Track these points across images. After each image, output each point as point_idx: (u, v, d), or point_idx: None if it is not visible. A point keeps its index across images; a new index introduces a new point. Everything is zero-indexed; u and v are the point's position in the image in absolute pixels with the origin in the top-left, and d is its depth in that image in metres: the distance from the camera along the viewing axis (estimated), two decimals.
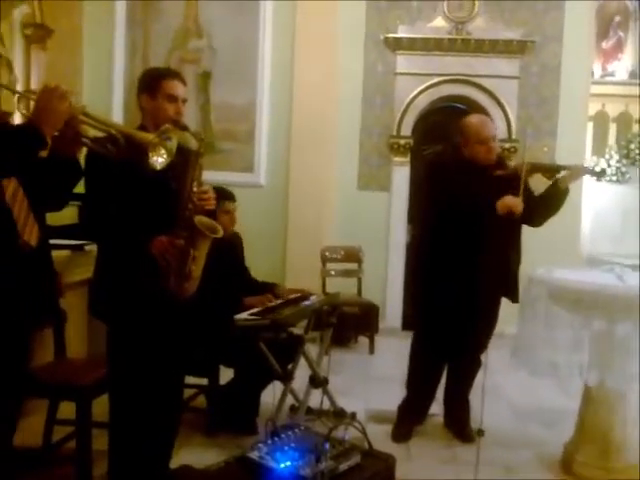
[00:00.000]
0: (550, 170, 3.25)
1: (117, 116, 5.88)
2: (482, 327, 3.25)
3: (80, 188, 2.20)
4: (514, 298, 3.22)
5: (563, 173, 3.18)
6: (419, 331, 3.43)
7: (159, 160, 1.94)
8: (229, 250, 3.28)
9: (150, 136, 1.95)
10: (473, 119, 3.32)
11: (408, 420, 3.41)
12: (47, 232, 2.09)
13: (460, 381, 3.41)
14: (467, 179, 3.08)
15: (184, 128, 2.29)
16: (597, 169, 3.29)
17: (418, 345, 3.39)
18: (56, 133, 1.82)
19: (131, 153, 1.94)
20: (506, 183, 3.04)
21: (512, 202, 2.95)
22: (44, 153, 1.84)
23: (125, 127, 1.94)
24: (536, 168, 3.20)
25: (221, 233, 2.27)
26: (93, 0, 5.77)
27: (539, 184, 3.32)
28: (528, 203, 3.14)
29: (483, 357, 3.25)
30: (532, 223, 3.26)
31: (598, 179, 3.37)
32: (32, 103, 1.83)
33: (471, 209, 3.04)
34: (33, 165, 1.81)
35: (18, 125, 1.85)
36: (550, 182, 3.25)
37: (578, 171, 3.21)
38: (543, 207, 3.21)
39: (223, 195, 3.35)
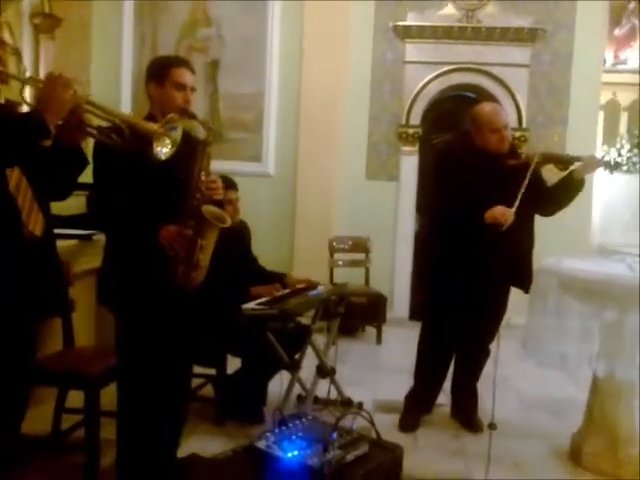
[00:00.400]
0: (563, 161, 3.20)
1: (125, 107, 5.88)
2: (491, 317, 3.23)
3: (88, 178, 2.19)
4: (526, 288, 3.19)
5: (577, 164, 3.13)
6: (427, 321, 3.42)
7: (163, 150, 1.92)
8: (236, 239, 3.27)
9: (155, 126, 1.94)
10: (485, 107, 3.28)
11: (415, 410, 3.40)
12: (52, 221, 2.08)
13: (468, 371, 3.40)
14: (477, 168, 3.05)
15: (192, 117, 2.27)
16: (612, 162, 3.22)
17: (426, 335, 3.38)
18: (60, 122, 1.80)
19: (136, 143, 1.93)
20: (517, 173, 3.00)
21: (500, 213, 2.91)
22: (48, 142, 1.82)
23: (130, 116, 1.93)
24: (548, 159, 3.15)
25: (229, 223, 2.26)
26: None
27: (550, 174, 3.28)
28: (540, 192, 3.11)
29: (493, 349, 3.23)
30: (545, 213, 3.24)
31: (611, 172, 3.30)
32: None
33: (477, 202, 3.00)
34: (37, 154, 1.80)
35: (22, 113, 1.83)
36: (562, 173, 3.22)
37: (593, 163, 3.15)
38: (556, 197, 3.18)
39: (225, 184, 3.32)
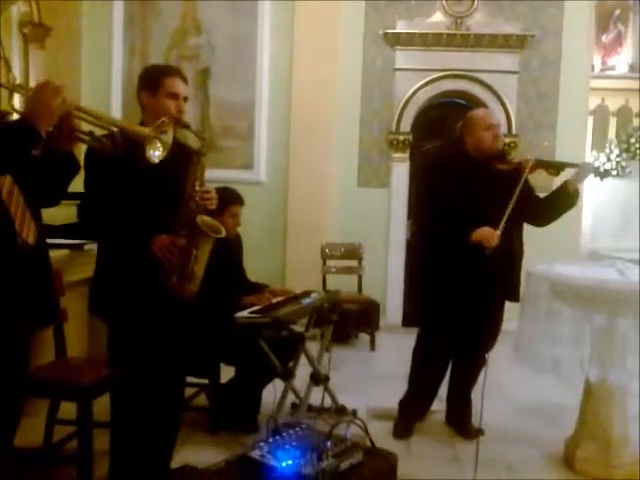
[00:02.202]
0: (554, 167, 3.22)
1: (116, 115, 5.86)
2: (487, 326, 3.23)
3: (78, 187, 2.19)
4: (515, 298, 3.21)
5: (570, 173, 3.15)
6: (423, 329, 3.41)
7: (156, 153, 1.91)
8: (229, 249, 3.27)
9: (146, 130, 1.94)
10: (478, 110, 3.42)
11: (409, 417, 3.40)
12: (44, 229, 2.08)
13: (464, 380, 3.40)
14: (467, 174, 3.07)
15: (186, 126, 2.28)
16: (601, 169, 3.26)
17: (422, 343, 3.37)
18: (50, 129, 1.80)
19: (127, 147, 1.93)
20: (508, 179, 3.02)
21: (487, 234, 2.93)
22: (38, 148, 1.82)
23: (120, 121, 1.92)
24: (540, 164, 3.17)
25: (224, 233, 2.26)
26: None
27: (539, 180, 3.31)
28: (532, 202, 3.12)
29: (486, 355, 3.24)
30: (538, 223, 3.24)
31: (602, 179, 3.34)
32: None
33: (468, 208, 3.02)
34: (28, 161, 1.79)
35: (12, 121, 1.82)
36: (551, 177, 3.24)
37: (584, 170, 3.17)
38: (551, 208, 3.20)
39: (233, 198, 3.34)
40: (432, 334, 3.31)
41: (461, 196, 3.01)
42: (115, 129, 1.91)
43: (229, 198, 3.26)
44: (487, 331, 3.25)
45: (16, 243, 1.89)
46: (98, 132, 1.96)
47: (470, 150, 3.19)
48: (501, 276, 3.08)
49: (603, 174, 3.28)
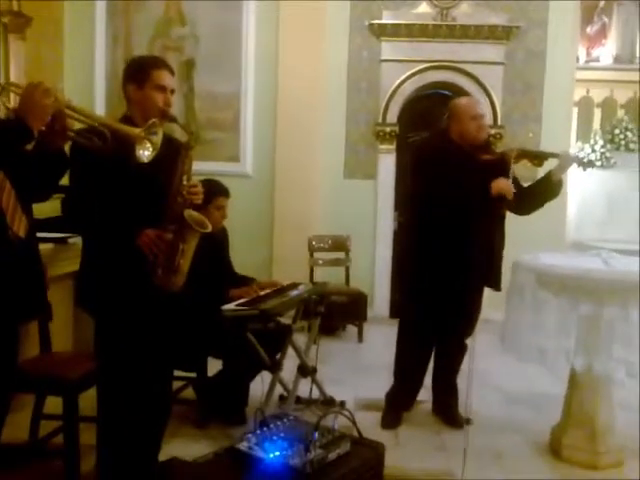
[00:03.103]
0: (538, 157, 3.25)
1: (99, 106, 5.81)
2: (467, 312, 3.26)
3: (63, 180, 2.16)
4: (497, 287, 3.24)
5: (554, 164, 3.18)
6: (404, 318, 3.43)
7: (145, 153, 1.94)
8: (215, 243, 3.25)
9: (136, 130, 1.95)
10: (463, 99, 3.42)
11: (396, 407, 3.42)
12: (33, 221, 2.07)
13: (447, 367, 3.43)
14: (454, 164, 3.08)
15: (173, 120, 2.27)
16: (585, 160, 3.28)
17: (404, 332, 3.40)
18: (43, 127, 1.83)
19: (117, 146, 1.93)
20: (492, 168, 3.04)
21: (505, 185, 2.95)
22: (29, 145, 1.85)
23: (111, 121, 1.94)
24: (524, 154, 3.20)
25: (210, 228, 2.26)
26: None
27: (523, 170, 3.33)
28: (517, 192, 3.15)
29: (470, 343, 3.26)
30: (521, 212, 3.27)
31: (584, 169, 3.36)
32: (13, 96, 1.84)
33: (455, 198, 3.03)
34: (20, 157, 1.83)
35: (5, 119, 1.86)
36: (535, 168, 3.27)
37: (567, 160, 3.20)
38: (534, 198, 3.22)
39: (218, 190, 3.32)
40: (411, 324, 3.32)
41: (447, 185, 3.02)
42: (106, 130, 1.91)
43: (214, 190, 3.24)
44: (466, 317, 3.27)
45: (7, 236, 1.89)
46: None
47: (456, 139, 3.20)
48: (481, 263, 3.10)
49: (586, 164, 3.30)
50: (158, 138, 1.98)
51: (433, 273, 3.14)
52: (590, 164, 3.32)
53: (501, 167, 3.02)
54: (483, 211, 2.99)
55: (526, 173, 3.29)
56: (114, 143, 1.94)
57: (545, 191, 3.20)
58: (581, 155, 3.16)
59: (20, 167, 1.89)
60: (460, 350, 3.38)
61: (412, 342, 3.34)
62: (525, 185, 3.27)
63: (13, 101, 1.96)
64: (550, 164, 3.23)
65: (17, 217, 1.93)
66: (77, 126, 1.97)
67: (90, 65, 5.84)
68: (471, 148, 3.16)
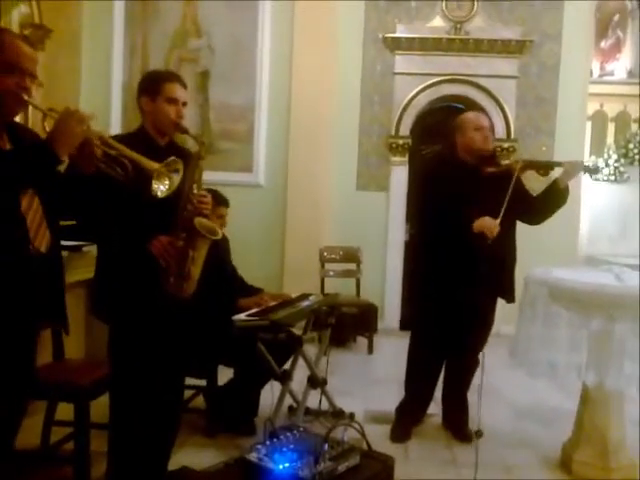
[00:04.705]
0: (544, 167, 3.26)
1: (115, 116, 5.89)
2: (479, 327, 3.26)
3: None
4: (509, 298, 3.23)
5: (559, 171, 3.18)
6: (416, 331, 3.43)
7: (161, 188, 2.00)
8: (217, 250, 3.27)
9: (156, 165, 2.01)
10: (469, 113, 3.46)
11: (406, 420, 3.41)
12: (59, 236, 2.11)
13: (458, 381, 3.41)
14: (460, 179, 3.09)
15: (185, 131, 2.33)
16: (591, 166, 3.26)
17: (415, 345, 3.39)
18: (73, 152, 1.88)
19: (138, 178, 1.99)
20: (499, 181, 3.05)
21: (488, 224, 2.94)
22: (61, 168, 1.91)
23: (134, 154, 1.99)
24: (530, 165, 3.22)
25: (220, 235, 2.30)
26: (92, 0, 5.77)
27: (533, 181, 3.33)
28: (525, 202, 3.15)
29: (481, 357, 3.24)
30: (531, 222, 3.28)
31: (593, 177, 3.36)
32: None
33: (455, 216, 3.04)
34: (50, 179, 1.89)
35: (35, 144, 1.91)
36: (544, 179, 3.27)
37: (574, 168, 3.19)
38: (543, 206, 3.22)
39: (218, 200, 3.36)
40: (423, 337, 3.32)
41: (455, 200, 3.03)
42: (128, 162, 1.98)
43: (215, 200, 3.27)
44: (478, 331, 3.27)
45: (28, 251, 1.93)
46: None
47: (461, 153, 3.23)
48: (492, 275, 3.10)
49: (592, 171, 3.28)
50: (178, 177, 2.05)
51: (442, 286, 3.14)
52: (596, 170, 3.31)
53: (506, 179, 3.03)
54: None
55: (535, 184, 3.29)
56: (135, 175, 2.01)
57: (553, 199, 3.19)
58: (587, 163, 3.15)
59: (49, 188, 1.96)
60: (472, 365, 3.37)
61: (423, 355, 3.33)
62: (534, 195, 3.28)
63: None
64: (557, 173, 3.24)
65: (40, 233, 1.98)
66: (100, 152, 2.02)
67: (107, 76, 5.93)
68: (477, 161, 3.18)
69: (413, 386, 3.41)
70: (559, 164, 3.22)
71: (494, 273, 3.10)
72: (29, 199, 1.94)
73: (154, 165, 2.01)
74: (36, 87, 2.03)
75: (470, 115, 3.37)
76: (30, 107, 2.00)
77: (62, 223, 2.14)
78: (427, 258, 3.26)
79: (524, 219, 3.27)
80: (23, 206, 1.92)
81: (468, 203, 3.02)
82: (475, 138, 3.17)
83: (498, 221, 2.92)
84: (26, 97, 1.90)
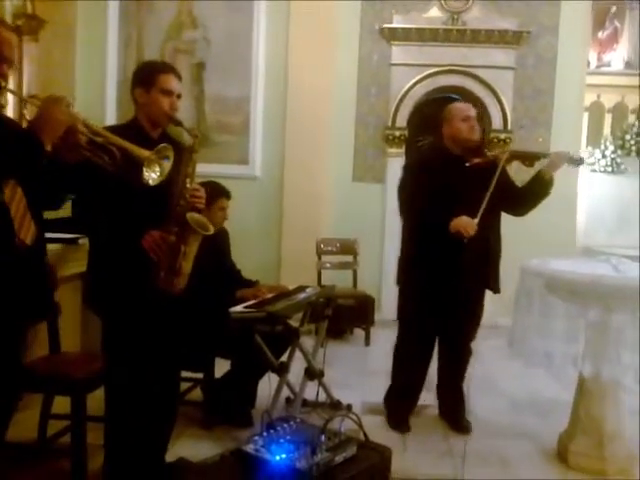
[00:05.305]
0: (529, 158, 3.27)
1: (110, 108, 5.85)
2: (465, 317, 3.26)
3: None
4: (494, 289, 3.24)
5: (544, 162, 3.19)
6: (400, 319, 3.44)
7: (152, 176, 1.98)
8: (217, 243, 3.27)
9: (147, 153, 1.97)
10: (456, 103, 3.50)
11: (395, 408, 3.41)
12: (43, 228, 2.09)
13: (451, 371, 3.40)
14: (446, 170, 3.10)
15: (178, 123, 2.30)
16: (576, 157, 3.26)
17: (399, 333, 3.42)
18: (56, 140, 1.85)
19: (127, 166, 1.95)
20: (485, 172, 3.04)
21: (465, 223, 2.94)
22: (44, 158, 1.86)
23: (123, 141, 1.96)
24: (516, 156, 3.24)
25: (212, 230, 2.28)
26: None
27: (521, 173, 3.33)
28: (510, 193, 3.15)
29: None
30: (516, 213, 3.31)
31: (576, 166, 3.34)
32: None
33: (434, 212, 3.05)
34: (33, 168, 1.84)
35: (18, 131, 1.87)
36: (531, 169, 3.28)
37: (559, 159, 3.19)
38: (528, 197, 3.24)
39: (221, 192, 3.36)
40: (408, 325, 3.34)
41: (437, 193, 3.03)
42: (116, 149, 1.93)
43: (216, 192, 3.27)
44: (466, 321, 3.27)
45: (13, 243, 1.90)
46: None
47: (448, 143, 3.23)
48: (477, 266, 3.11)
49: (578, 161, 3.28)
50: (168, 164, 2.02)
51: (425, 275, 3.15)
52: (581, 161, 3.30)
53: (493, 170, 3.03)
54: (474, 213, 2.97)
55: (523, 176, 3.29)
56: (124, 163, 1.97)
57: (537, 190, 3.20)
58: (575, 155, 3.11)
59: (33, 177, 1.91)
60: (464, 354, 3.37)
61: (405, 343, 3.35)
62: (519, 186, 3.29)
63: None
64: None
65: (25, 225, 1.95)
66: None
67: (102, 67, 5.89)
68: (463, 151, 3.18)
69: (396, 373, 3.43)
70: (545, 155, 3.25)
71: (478, 264, 3.11)
72: (11, 189, 1.90)
73: (144, 153, 1.97)
74: (12, 73, 1.98)
75: (457, 105, 3.39)
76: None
77: (53, 216, 2.12)
78: (409, 247, 3.29)
79: (508, 210, 3.29)
80: (6, 196, 1.88)
81: (453, 194, 3.03)
82: (462, 128, 3.17)
83: (476, 220, 2.93)
84: (4, 84, 1.86)
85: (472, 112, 3.25)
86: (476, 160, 3.13)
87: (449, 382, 3.43)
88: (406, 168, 3.43)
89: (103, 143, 1.94)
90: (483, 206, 2.94)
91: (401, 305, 3.43)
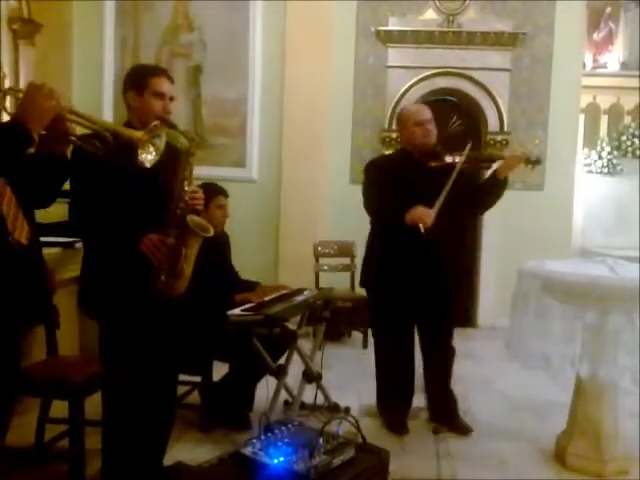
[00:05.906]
0: (486, 160, 3.29)
1: (107, 112, 5.84)
2: (436, 315, 3.27)
3: (68, 185, 2.18)
4: (457, 286, 3.27)
5: (498, 163, 3.20)
6: (372, 320, 3.48)
7: (148, 157, 1.93)
8: (217, 246, 3.27)
9: (139, 133, 1.94)
10: (411, 106, 3.53)
11: (387, 410, 3.41)
12: (36, 229, 2.07)
13: (436, 371, 3.38)
14: (404, 172, 3.13)
15: (172, 126, 2.28)
16: (532, 158, 3.25)
17: (374, 333, 3.45)
18: (43, 132, 1.79)
19: (119, 150, 1.93)
20: (443, 175, 3.05)
21: (420, 213, 2.95)
22: (31, 150, 1.81)
23: (113, 124, 1.93)
24: (473, 160, 3.24)
25: (212, 232, 2.28)
26: None
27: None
28: (470, 193, 3.17)
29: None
30: (471, 213, 3.35)
31: (533, 168, 3.33)
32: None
33: (389, 212, 3.10)
34: (21, 163, 1.79)
35: (4, 123, 1.81)
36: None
37: (513, 160, 3.18)
38: (482, 198, 3.26)
39: (216, 190, 3.36)
40: (378, 324, 3.38)
41: (398, 191, 3.05)
42: (108, 133, 1.91)
43: (213, 191, 3.28)
44: (439, 320, 3.28)
45: (8, 243, 1.89)
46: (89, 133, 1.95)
47: (408, 147, 3.24)
48: (438, 263, 3.14)
49: (534, 162, 3.26)
50: (162, 142, 1.97)
51: (388, 273, 3.18)
52: (538, 162, 3.28)
53: (450, 172, 3.04)
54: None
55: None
56: (116, 147, 1.93)
57: (491, 190, 3.21)
58: (534, 155, 3.12)
59: (21, 173, 1.86)
60: (446, 354, 3.36)
61: (384, 343, 3.37)
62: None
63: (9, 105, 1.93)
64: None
65: (18, 223, 1.92)
66: (81, 131, 1.95)
67: (98, 70, 5.88)
68: (420, 155, 3.18)
69: (379, 376, 3.45)
70: (500, 156, 3.27)
71: (439, 261, 3.14)
72: (1, 188, 1.86)
73: (137, 134, 1.94)
74: None
75: (411, 108, 3.39)
76: None
77: (55, 219, 2.10)
78: (371, 248, 3.33)
79: (466, 211, 3.31)
80: None
81: (413, 194, 3.03)
82: (416, 133, 3.17)
83: (433, 211, 2.94)
84: None
85: (426, 115, 3.22)
86: (434, 163, 3.14)
87: (436, 383, 3.39)
88: (365, 169, 3.41)
89: (93, 128, 1.89)
90: (439, 201, 2.94)
91: (370, 307, 3.45)
